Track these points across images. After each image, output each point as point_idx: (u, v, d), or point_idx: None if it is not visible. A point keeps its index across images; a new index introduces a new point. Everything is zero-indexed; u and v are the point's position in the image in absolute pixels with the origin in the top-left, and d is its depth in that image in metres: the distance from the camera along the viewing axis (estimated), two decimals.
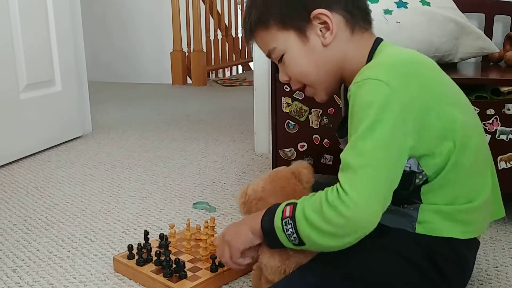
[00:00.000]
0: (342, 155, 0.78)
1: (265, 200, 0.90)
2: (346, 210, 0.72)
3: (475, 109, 1.26)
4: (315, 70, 0.91)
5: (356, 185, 0.73)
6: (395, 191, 0.80)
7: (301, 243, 0.79)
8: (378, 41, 0.91)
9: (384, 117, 0.76)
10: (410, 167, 0.83)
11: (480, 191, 0.89)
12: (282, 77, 0.96)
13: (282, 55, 0.92)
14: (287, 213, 0.80)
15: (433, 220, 0.86)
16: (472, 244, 0.92)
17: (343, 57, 0.90)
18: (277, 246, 0.84)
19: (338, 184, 0.76)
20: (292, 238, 0.79)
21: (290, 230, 0.79)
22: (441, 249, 0.86)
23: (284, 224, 0.79)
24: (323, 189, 0.80)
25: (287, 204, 0.81)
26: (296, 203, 0.80)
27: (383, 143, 0.76)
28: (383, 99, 0.77)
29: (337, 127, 1.02)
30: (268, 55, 0.94)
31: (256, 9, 0.91)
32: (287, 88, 1.47)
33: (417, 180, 0.84)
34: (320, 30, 0.88)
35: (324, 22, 0.87)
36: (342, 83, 0.97)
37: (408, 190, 0.85)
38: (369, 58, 0.88)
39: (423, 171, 0.83)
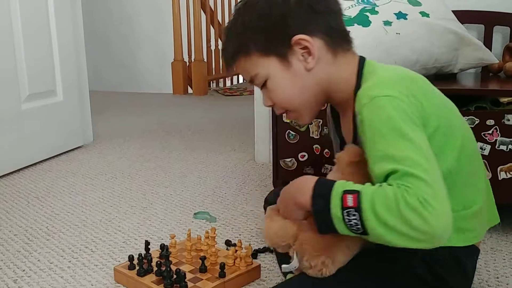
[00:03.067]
0: (394, 167, 0.75)
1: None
2: (431, 217, 0.71)
3: (475, 120, 1.27)
4: (299, 95, 0.91)
5: (432, 195, 0.72)
6: None
7: (365, 233, 0.76)
8: (362, 59, 0.92)
9: (411, 125, 0.78)
10: None
11: (476, 197, 0.90)
12: (266, 102, 0.95)
13: (265, 81, 0.91)
14: (349, 203, 0.75)
15: None
16: (472, 252, 0.92)
17: (328, 80, 0.90)
18: (329, 231, 0.79)
19: (409, 189, 0.73)
20: (354, 228, 0.76)
21: (354, 221, 0.75)
22: (440, 257, 0.87)
23: (345, 214, 0.76)
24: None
25: (345, 191, 0.77)
26: (358, 192, 0.76)
27: (425, 148, 0.77)
28: (402, 111, 0.79)
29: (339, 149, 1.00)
30: (251, 81, 0.94)
31: (236, 37, 0.92)
32: None
33: None
34: (302, 55, 0.89)
35: (305, 47, 0.88)
36: (326, 104, 0.98)
37: None
38: (358, 76, 0.89)
39: None
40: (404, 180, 0.74)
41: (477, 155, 0.95)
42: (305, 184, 0.83)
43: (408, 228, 0.72)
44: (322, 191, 0.80)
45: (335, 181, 0.80)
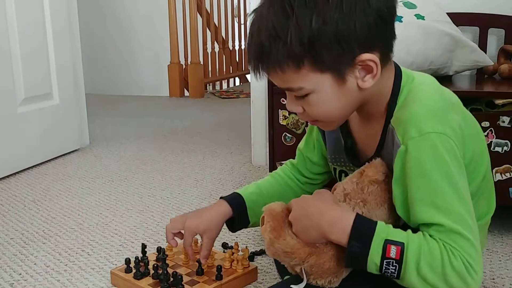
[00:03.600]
0: (439, 220, 0.74)
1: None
2: (473, 282, 0.73)
3: None
4: (340, 111, 0.82)
5: (475, 258, 0.73)
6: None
7: (396, 278, 0.76)
8: (398, 71, 0.85)
9: (460, 173, 0.77)
10: None
11: (484, 212, 0.91)
12: (294, 109, 0.83)
13: (306, 94, 0.79)
14: (392, 254, 0.74)
15: None
16: None
17: (371, 94, 0.82)
18: (357, 268, 0.79)
19: (455, 250, 0.73)
20: (388, 274, 0.75)
21: (392, 271, 0.75)
22: None
23: (385, 264, 0.74)
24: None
25: (388, 241, 0.74)
26: (403, 244, 0.74)
27: (469, 200, 0.77)
28: (453, 155, 0.76)
29: (345, 155, 0.96)
30: (286, 90, 0.81)
31: (286, 42, 0.74)
32: (283, 101, 1.48)
33: None
34: (359, 72, 0.78)
35: (367, 65, 0.77)
36: None
37: None
38: (394, 91, 0.83)
39: None
40: (450, 238, 0.73)
41: (491, 182, 0.95)
42: (340, 221, 0.78)
43: (446, 287, 0.74)
44: (362, 234, 0.76)
45: (375, 223, 0.77)
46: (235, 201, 1.05)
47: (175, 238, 1.06)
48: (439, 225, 0.74)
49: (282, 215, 0.86)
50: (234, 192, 1.07)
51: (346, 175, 0.97)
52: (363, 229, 0.77)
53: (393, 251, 0.74)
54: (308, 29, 0.72)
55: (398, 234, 0.76)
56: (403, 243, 0.74)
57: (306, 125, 1.48)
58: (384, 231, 0.76)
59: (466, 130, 0.81)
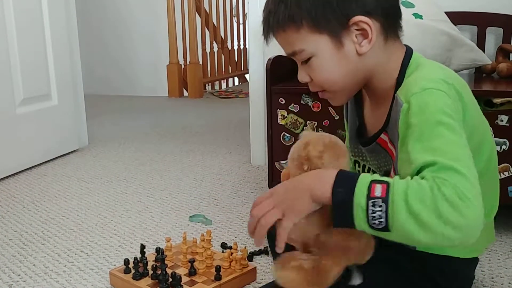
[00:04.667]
0: (434, 159, 0.70)
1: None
2: (469, 212, 0.66)
3: None
4: (343, 78, 0.85)
5: (470, 189, 0.67)
6: None
7: (386, 229, 0.69)
8: (409, 51, 0.87)
9: (459, 124, 0.75)
10: None
11: (489, 210, 0.90)
12: (302, 78, 0.88)
13: (309, 58, 0.84)
14: (377, 193, 0.69)
15: None
16: (473, 262, 0.93)
17: (375, 66, 0.85)
18: (345, 224, 0.72)
19: (449, 183, 0.67)
20: (376, 221, 0.69)
21: (379, 213, 0.68)
22: (439, 265, 0.87)
23: (371, 204, 0.69)
24: None
25: (373, 181, 0.70)
26: (389, 183, 0.69)
27: (468, 148, 0.74)
28: (452, 107, 0.76)
29: (355, 136, 0.96)
30: (291, 55, 0.86)
31: (287, 5, 0.82)
32: (282, 101, 1.48)
33: None
34: (357, 37, 0.81)
35: (362, 29, 0.81)
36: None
37: None
38: (402, 69, 0.85)
39: None
40: (442, 172, 0.68)
41: (497, 166, 0.94)
42: (325, 173, 0.75)
43: (441, 224, 0.66)
44: (346, 180, 0.73)
45: (359, 173, 0.74)
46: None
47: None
48: (431, 164, 0.70)
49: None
50: None
51: (363, 170, 0.96)
52: (347, 175, 0.74)
53: (378, 189, 0.69)
54: None
55: (385, 178, 0.72)
56: (389, 182, 0.70)
57: (305, 125, 1.48)
58: (369, 176, 0.72)
59: (470, 107, 0.81)
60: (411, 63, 0.85)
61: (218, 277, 1.07)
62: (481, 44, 1.73)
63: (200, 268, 1.10)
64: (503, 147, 1.27)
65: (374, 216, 0.69)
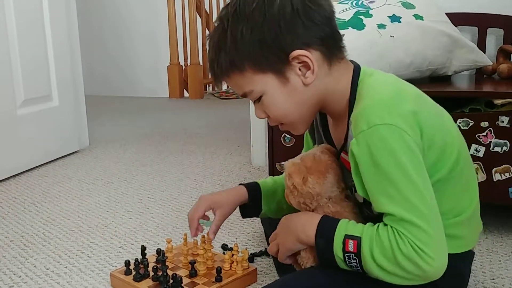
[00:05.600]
0: (392, 210, 0.78)
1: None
2: (427, 267, 0.76)
3: (469, 122, 1.28)
4: (296, 110, 0.88)
5: (427, 243, 0.76)
6: (373, 215, 0.86)
7: (363, 272, 0.82)
8: (357, 68, 0.90)
9: (414, 161, 0.78)
10: None
11: (467, 205, 0.90)
12: (259, 115, 0.91)
13: (260, 96, 0.87)
14: (351, 248, 0.80)
15: None
16: (466, 257, 0.93)
17: (324, 92, 0.88)
18: (330, 266, 0.84)
19: (405, 236, 0.77)
20: (354, 268, 0.82)
21: (354, 263, 0.81)
22: None
23: (347, 257, 0.81)
24: None
25: (347, 236, 0.81)
26: (359, 238, 0.80)
27: (424, 188, 0.79)
28: (405, 145, 0.78)
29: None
30: (243, 96, 0.89)
31: (226, 52, 0.85)
32: None
33: None
34: (300, 69, 0.85)
35: (304, 62, 0.84)
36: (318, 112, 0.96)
37: None
38: (353, 88, 0.87)
39: None
40: (400, 225, 0.77)
41: (470, 161, 0.94)
42: (309, 222, 0.86)
43: (404, 273, 0.78)
44: (325, 232, 0.83)
45: (337, 221, 0.83)
46: (252, 185, 1.13)
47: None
48: (391, 215, 0.78)
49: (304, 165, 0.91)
50: (253, 181, 1.15)
51: None
52: (326, 227, 0.84)
53: (351, 245, 0.80)
54: (240, 38, 0.83)
55: (357, 229, 0.81)
56: (359, 237, 0.80)
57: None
58: (344, 227, 0.82)
59: (427, 120, 0.82)
60: (360, 80, 0.87)
61: (219, 279, 1.07)
62: (481, 45, 1.73)
63: (201, 269, 1.10)
64: (504, 148, 1.27)
65: (352, 266, 0.81)
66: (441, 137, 0.85)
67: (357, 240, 0.80)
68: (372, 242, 0.79)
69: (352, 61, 0.92)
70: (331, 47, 0.87)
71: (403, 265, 0.77)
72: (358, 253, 0.80)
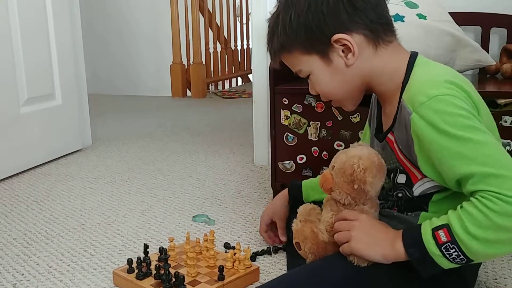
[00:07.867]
0: (471, 170, 0.76)
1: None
2: None
3: None
4: (340, 89, 0.94)
5: None
6: (407, 198, 0.89)
7: (468, 261, 0.78)
8: (414, 54, 0.92)
9: (478, 121, 0.79)
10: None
11: None
12: (311, 91, 0.99)
13: (308, 75, 0.95)
14: (443, 238, 0.77)
15: None
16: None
17: (369, 73, 0.92)
18: (435, 272, 0.81)
19: (491, 193, 0.74)
20: (457, 260, 0.78)
21: (455, 253, 0.77)
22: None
23: (444, 250, 0.77)
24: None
25: (434, 229, 0.78)
26: (446, 224, 0.77)
27: (495, 141, 0.79)
28: (465, 106, 0.79)
29: (375, 133, 1.02)
30: (297, 73, 0.97)
31: (278, 36, 0.94)
32: (285, 101, 1.48)
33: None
34: (343, 51, 0.90)
35: (345, 45, 0.89)
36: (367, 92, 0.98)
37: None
38: (408, 71, 0.89)
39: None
40: (483, 182, 0.75)
41: None
42: (394, 239, 0.84)
43: (509, 233, 0.74)
44: (413, 238, 0.81)
45: (419, 225, 0.82)
46: (293, 183, 1.24)
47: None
48: (471, 176, 0.76)
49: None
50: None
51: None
52: (412, 234, 0.82)
53: (442, 235, 0.77)
54: (289, 23, 0.92)
55: (440, 220, 0.79)
56: (447, 224, 0.77)
57: (308, 125, 1.48)
58: (427, 224, 0.80)
59: (478, 104, 0.84)
60: (416, 64, 0.89)
61: (221, 277, 1.07)
62: (485, 44, 1.73)
63: (204, 266, 1.10)
64: (507, 148, 1.27)
65: (453, 257, 0.77)
66: (488, 127, 0.85)
67: (446, 227, 0.77)
68: (462, 220, 0.76)
69: (412, 51, 0.94)
70: (377, 30, 0.90)
71: (504, 224, 0.73)
72: (453, 239, 0.76)
